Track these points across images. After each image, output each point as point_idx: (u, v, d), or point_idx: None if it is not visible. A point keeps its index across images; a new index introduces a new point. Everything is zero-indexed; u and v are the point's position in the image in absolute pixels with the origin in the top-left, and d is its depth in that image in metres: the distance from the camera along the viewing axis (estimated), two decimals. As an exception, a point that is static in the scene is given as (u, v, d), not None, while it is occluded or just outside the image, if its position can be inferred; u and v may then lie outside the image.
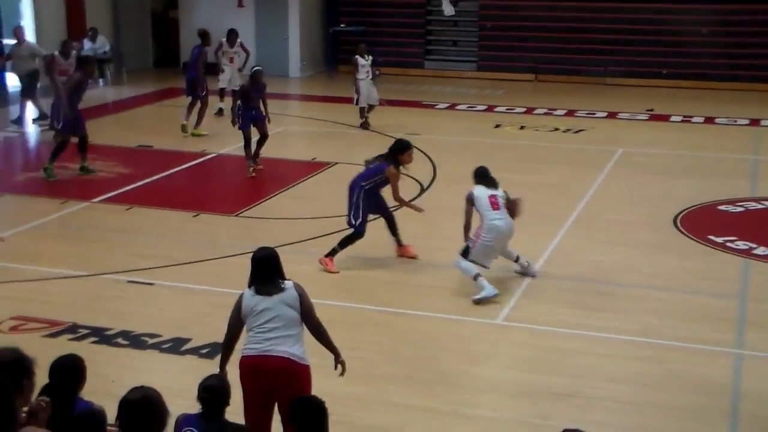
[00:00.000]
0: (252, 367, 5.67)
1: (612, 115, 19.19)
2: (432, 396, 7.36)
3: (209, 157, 15.37)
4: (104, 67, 22.15)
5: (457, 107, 20.22)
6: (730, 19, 22.71)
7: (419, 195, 12.73)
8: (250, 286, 5.83)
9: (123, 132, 17.41)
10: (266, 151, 14.41)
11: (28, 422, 4.16)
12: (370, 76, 17.45)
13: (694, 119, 18.82)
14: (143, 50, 25.07)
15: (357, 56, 17.45)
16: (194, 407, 4.99)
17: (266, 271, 5.80)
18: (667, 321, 8.84)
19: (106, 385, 6.30)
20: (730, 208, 12.49)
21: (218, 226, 11.81)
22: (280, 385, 5.62)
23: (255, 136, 14.15)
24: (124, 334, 8.41)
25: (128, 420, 4.20)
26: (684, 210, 12.29)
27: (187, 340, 8.25)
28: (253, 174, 14.05)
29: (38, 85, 18.10)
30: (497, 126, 18.09)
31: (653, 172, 14.46)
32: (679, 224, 11.74)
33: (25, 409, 4.22)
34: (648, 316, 8.94)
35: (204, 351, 8.01)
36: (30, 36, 19.69)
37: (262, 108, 14.20)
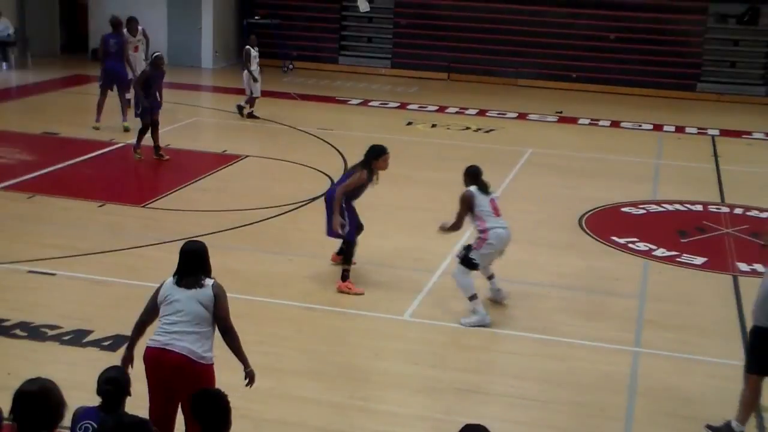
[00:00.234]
0: (154, 359, 5.61)
1: (522, 116, 19.49)
2: (336, 390, 7.37)
3: (117, 146, 15.06)
4: (7, 51, 21.51)
5: (370, 103, 20.27)
6: (637, 26, 23.34)
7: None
8: (174, 276, 5.77)
9: (27, 118, 16.95)
10: (177, 142, 14.18)
11: None
12: (259, 68, 17.49)
13: (601, 122, 19.25)
14: (50, 35, 24.35)
15: (248, 47, 17.42)
16: (94, 400, 4.90)
17: (190, 265, 5.72)
18: (570, 319, 9.04)
19: (1, 378, 6.12)
20: (633, 210, 12.82)
21: (124, 216, 11.56)
22: (178, 382, 5.55)
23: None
24: (23, 325, 8.18)
25: (23, 412, 4.06)
26: (589, 211, 12.56)
27: (89, 332, 8.07)
28: (141, 158, 14.06)
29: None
30: (409, 123, 18.20)
31: (560, 172, 14.74)
32: (584, 224, 12.00)
33: None
34: (552, 314, 9.12)
35: (106, 343, 7.84)
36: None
37: (157, 95, 14.04)
